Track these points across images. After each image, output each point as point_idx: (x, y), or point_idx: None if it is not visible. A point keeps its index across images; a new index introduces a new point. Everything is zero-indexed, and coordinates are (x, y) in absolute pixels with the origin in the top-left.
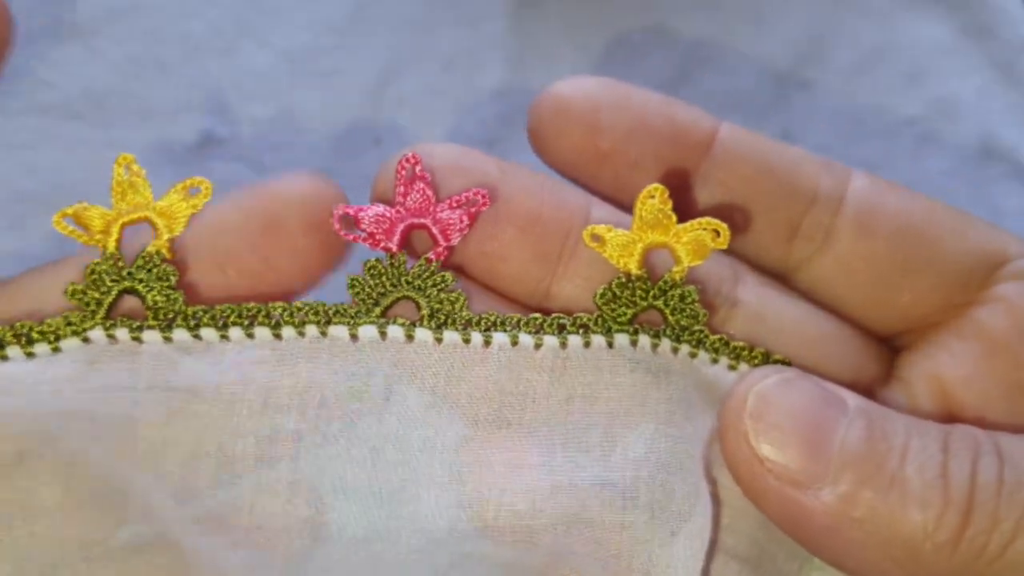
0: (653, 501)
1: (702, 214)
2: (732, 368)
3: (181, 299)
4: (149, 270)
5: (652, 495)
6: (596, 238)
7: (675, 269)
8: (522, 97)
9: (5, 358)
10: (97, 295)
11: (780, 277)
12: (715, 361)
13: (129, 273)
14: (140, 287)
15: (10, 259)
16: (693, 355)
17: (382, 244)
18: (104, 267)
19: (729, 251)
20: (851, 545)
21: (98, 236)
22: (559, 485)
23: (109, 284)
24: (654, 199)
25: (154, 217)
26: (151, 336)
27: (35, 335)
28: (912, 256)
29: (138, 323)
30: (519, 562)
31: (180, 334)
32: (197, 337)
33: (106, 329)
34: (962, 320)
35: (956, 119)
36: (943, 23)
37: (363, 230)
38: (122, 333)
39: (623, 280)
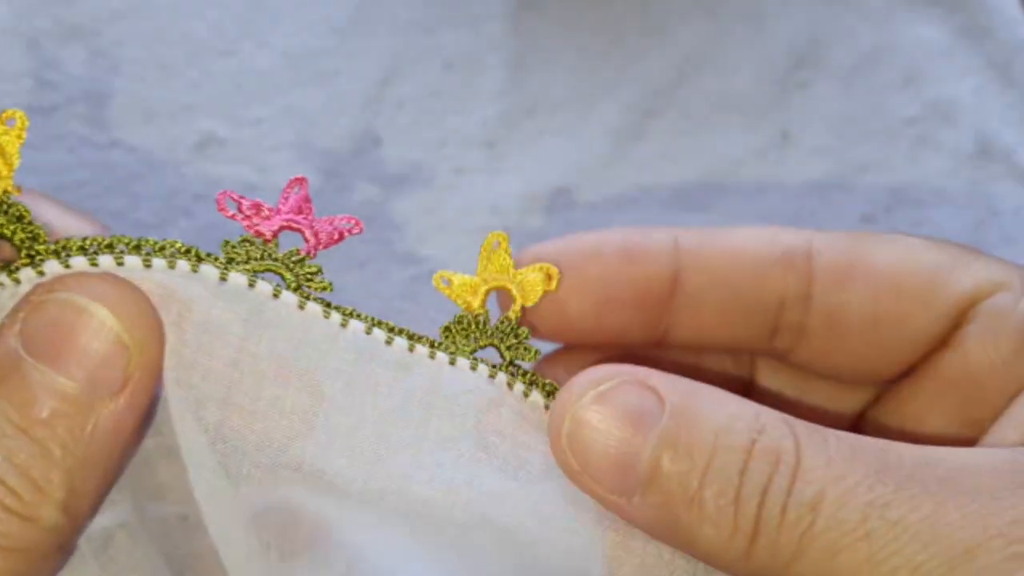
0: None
1: (683, 344)
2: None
3: (43, 233)
4: (4, 212)
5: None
6: (445, 281)
7: (511, 310)
8: (522, 97)
9: None
10: None
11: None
12: (548, 407)
13: None
14: (4, 230)
15: None
16: (526, 394)
17: (257, 228)
18: None
19: (723, 349)
20: (661, 537)
21: None
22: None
23: None
24: (498, 246)
25: None
26: (27, 274)
27: None
28: (882, 331)
29: (14, 264)
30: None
31: (52, 266)
32: (67, 266)
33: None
34: (926, 368)
35: (954, 120)
36: (941, 24)
37: (242, 212)
38: (2, 277)
39: (465, 317)
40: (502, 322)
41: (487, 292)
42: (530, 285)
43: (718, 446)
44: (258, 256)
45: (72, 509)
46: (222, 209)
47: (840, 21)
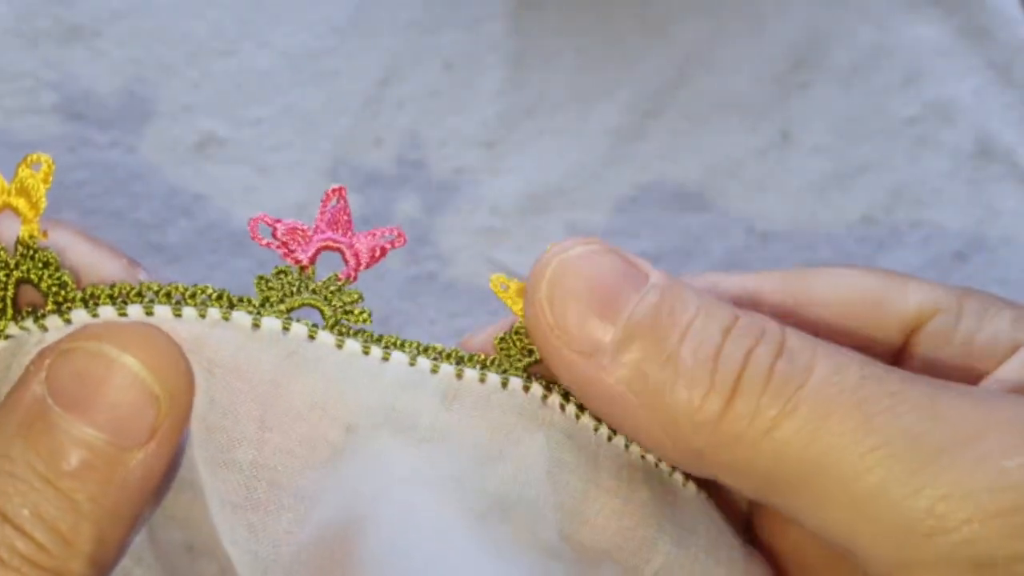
0: None
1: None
2: (610, 438)
3: (71, 280)
4: (31, 257)
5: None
6: (503, 286)
7: None
8: (522, 97)
9: None
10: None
11: None
12: (596, 429)
13: (16, 264)
14: (31, 275)
15: None
16: (577, 416)
17: (294, 255)
18: None
19: None
20: (629, 413)
21: None
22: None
23: (3, 278)
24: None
25: (14, 201)
26: (53, 322)
27: None
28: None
29: (41, 311)
30: None
31: (79, 315)
32: (95, 315)
33: (18, 323)
34: None
35: (953, 120)
36: (941, 24)
37: (277, 239)
38: (29, 323)
39: (522, 328)
40: None
41: None
42: None
43: (700, 313)
44: (294, 290)
45: (100, 560)
46: (256, 237)
47: (840, 21)
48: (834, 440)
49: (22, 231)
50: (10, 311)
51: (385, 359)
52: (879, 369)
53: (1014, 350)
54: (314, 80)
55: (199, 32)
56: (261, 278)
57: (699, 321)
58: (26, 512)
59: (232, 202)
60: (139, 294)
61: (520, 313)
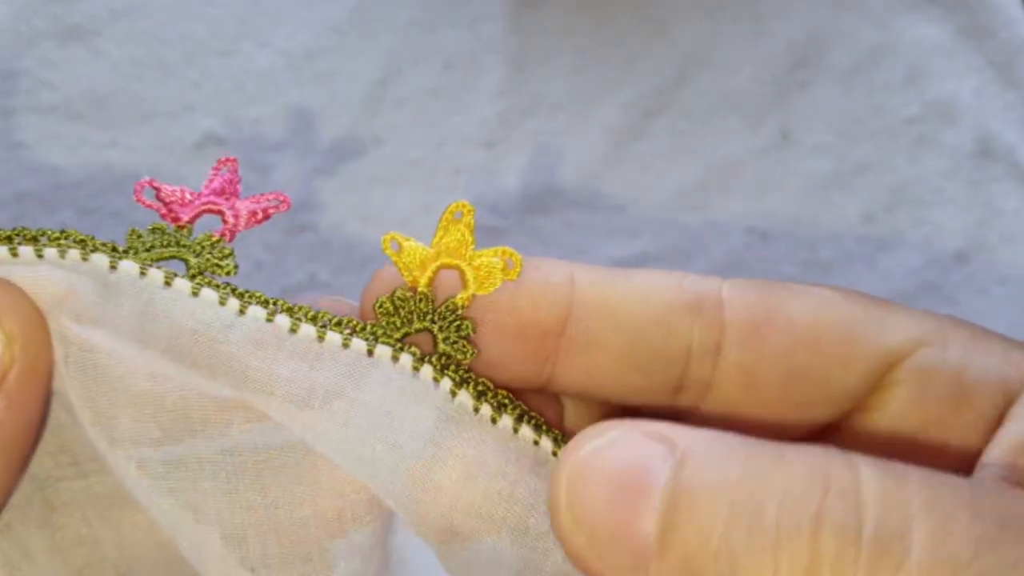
0: None
1: (568, 391)
2: (494, 421)
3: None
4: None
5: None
6: (395, 245)
7: (461, 295)
8: (522, 97)
9: None
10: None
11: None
12: (477, 409)
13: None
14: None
15: None
16: (454, 393)
17: (173, 215)
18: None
19: (613, 401)
20: None
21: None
22: None
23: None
24: (460, 217)
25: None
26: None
27: None
28: (797, 388)
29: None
30: None
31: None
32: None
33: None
34: (848, 428)
35: (954, 120)
36: (941, 24)
37: (161, 200)
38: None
39: (406, 293)
40: (446, 307)
41: (438, 269)
42: (487, 270)
43: (741, 477)
44: (164, 244)
45: None
46: (139, 199)
47: (840, 21)
48: None
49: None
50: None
51: (242, 312)
52: (991, 522)
53: (1005, 389)
54: (314, 80)
55: (198, 32)
56: (133, 231)
57: (744, 491)
58: None
59: None
60: (8, 238)
61: (408, 279)
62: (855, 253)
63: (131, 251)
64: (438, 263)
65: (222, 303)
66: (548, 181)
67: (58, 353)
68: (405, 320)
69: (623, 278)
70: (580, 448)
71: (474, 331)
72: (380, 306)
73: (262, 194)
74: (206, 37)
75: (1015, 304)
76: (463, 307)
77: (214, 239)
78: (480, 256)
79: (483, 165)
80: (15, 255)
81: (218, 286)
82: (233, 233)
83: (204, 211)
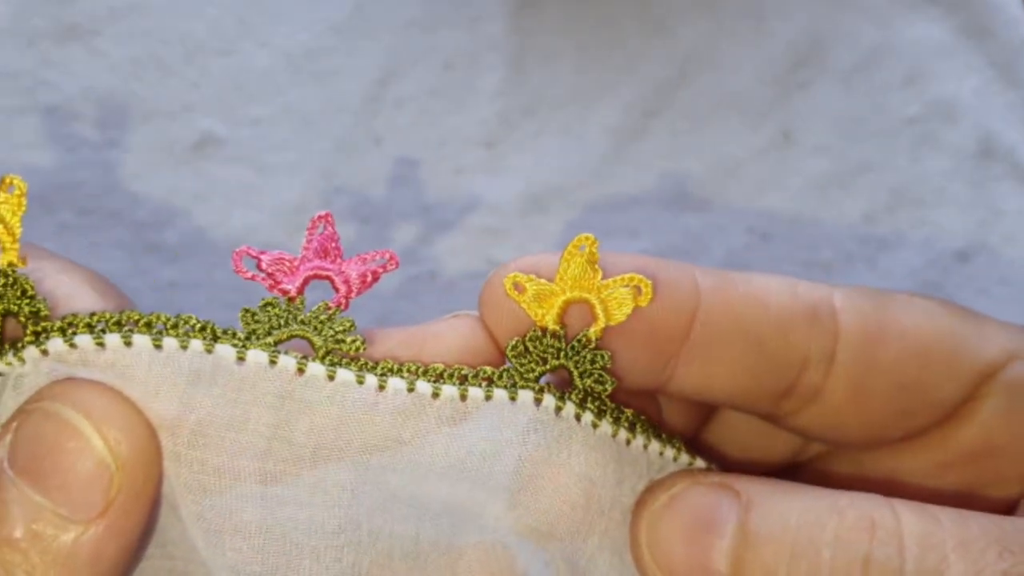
0: None
1: (685, 394)
2: (629, 442)
3: (44, 308)
4: (12, 286)
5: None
6: (518, 287)
7: (592, 328)
8: (522, 97)
9: None
10: None
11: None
12: (615, 435)
13: (1, 295)
14: (11, 306)
15: None
16: (595, 425)
17: (281, 286)
18: None
19: (724, 404)
20: None
21: None
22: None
23: None
24: (583, 251)
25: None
26: (31, 353)
27: None
28: (903, 398)
29: (20, 343)
30: None
31: (55, 344)
32: (72, 346)
33: (2, 358)
34: (936, 435)
35: (955, 119)
36: (942, 24)
37: (263, 271)
38: (10, 357)
39: (537, 334)
40: (578, 341)
41: (565, 305)
42: (617, 301)
43: (800, 524)
44: (282, 322)
45: None
46: (239, 270)
47: (841, 20)
48: None
49: (1, 259)
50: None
51: (381, 388)
52: (1020, 557)
53: None
54: (313, 80)
55: (198, 31)
56: (247, 311)
57: (804, 536)
58: None
59: (231, 202)
60: (118, 323)
61: (536, 319)
62: (855, 253)
63: (252, 336)
64: (565, 298)
65: (359, 382)
66: (548, 181)
67: (168, 470)
68: (539, 360)
69: (743, 282)
70: (656, 498)
71: (611, 362)
72: (513, 348)
73: (367, 253)
74: (206, 37)
75: (1016, 304)
76: (596, 340)
77: (331, 311)
78: (608, 287)
79: (483, 165)
80: (128, 344)
81: (349, 363)
82: (347, 301)
83: (312, 278)
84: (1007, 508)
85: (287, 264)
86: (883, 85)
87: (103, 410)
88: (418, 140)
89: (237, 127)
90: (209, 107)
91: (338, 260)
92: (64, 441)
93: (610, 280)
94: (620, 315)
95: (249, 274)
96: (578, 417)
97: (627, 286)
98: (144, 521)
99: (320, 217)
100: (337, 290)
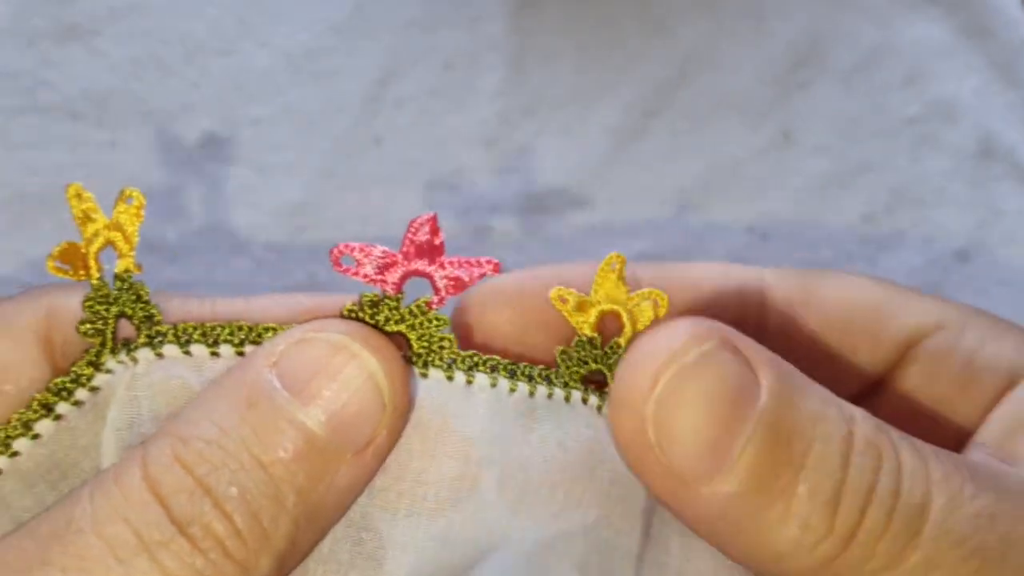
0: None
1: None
2: None
3: (158, 312)
4: (128, 290)
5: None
6: (562, 299)
7: (622, 336)
8: (522, 97)
9: (59, 416)
10: (100, 326)
11: None
12: None
13: (116, 298)
14: (125, 308)
15: (10, 259)
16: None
17: (379, 283)
18: (96, 298)
19: None
20: (722, 535)
21: (81, 272)
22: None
23: (104, 312)
24: (614, 267)
25: (112, 236)
26: (145, 354)
27: (71, 384)
28: (828, 369)
29: (133, 344)
30: None
31: (170, 349)
32: (187, 352)
33: (115, 357)
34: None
35: (955, 120)
36: (942, 24)
37: (363, 267)
38: (123, 356)
39: (581, 341)
40: (612, 347)
41: (600, 315)
42: (641, 312)
43: (816, 434)
44: (388, 319)
45: (286, 562)
46: (339, 267)
47: (841, 20)
48: None
49: (118, 265)
50: (109, 344)
51: (468, 383)
52: (990, 498)
53: (1011, 375)
54: (313, 80)
55: (198, 31)
56: (348, 310)
57: (817, 448)
58: (234, 491)
59: (231, 202)
60: (231, 334)
61: (580, 327)
62: (855, 253)
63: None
64: (599, 309)
65: (449, 379)
66: (548, 181)
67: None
68: (580, 363)
69: (679, 270)
70: (686, 350)
71: None
72: (563, 353)
73: (469, 259)
74: (206, 37)
75: (1016, 304)
76: (626, 346)
77: (427, 310)
78: (634, 299)
79: (483, 165)
80: (240, 353)
81: (441, 365)
82: (443, 300)
83: (411, 275)
84: None
85: (386, 258)
86: (883, 85)
87: (384, 347)
88: (418, 140)
89: (237, 127)
90: (209, 107)
91: (439, 258)
92: (348, 370)
93: (635, 294)
94: (643, 324)
95: (350, 271)
96: (448, 378)
97: (648, 299)
98: (373, 473)
99: (425, 219)
100: (436, 291)
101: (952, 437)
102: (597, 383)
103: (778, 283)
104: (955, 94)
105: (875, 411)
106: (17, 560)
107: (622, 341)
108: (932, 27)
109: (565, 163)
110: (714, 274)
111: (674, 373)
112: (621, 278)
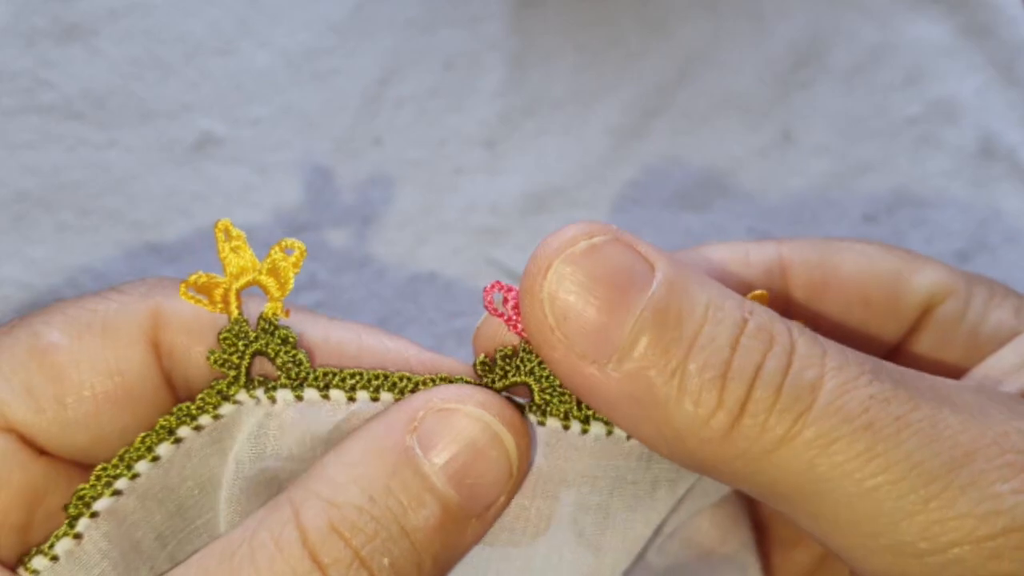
0: None
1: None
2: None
3: (306, 359)
4: (271, 332)
5: None
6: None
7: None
8: (522, 97)
9: (179, 440)
10: (235, 359)
11: None
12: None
13: (256, 337)
14: (268, 349)
15: (11, 259)
16: (584, 431)
17: (521, 328)
18: (234, 333)
19: None
20: (630, 418)
21: (219, 304)
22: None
23: (241, 348)
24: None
25: (263, 280)
26: (284, 395)
27: (196, 411)
28: (852, 343)
29: (272, 383)
30: None
31: (310, 393)
32: (326, 397)
33: (248, 391)
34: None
35: (956, 119)
36: (943, 23)
37: (507, 309)
38: (259, 392)
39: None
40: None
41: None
42: None
43: (708, 318)
44: (513, 371)
45: None
46: (491, 309)
47: (841, 20)
48: (837, 465)
49: (266, 308)
50: (243, 379)
51: (584, 432)
52: (887, 385)
53: (1012, 338)
54: (313, 80)
55: (197, 31)
56: (480, 362)
57: (707, 329)
58: (386, 562)
59: (231, 202)
60: (368, 381)
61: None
62: None
63: (489, 379)
64: None
65: (565, 428)
66: (548, 181)
67: None
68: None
69: (697, 254)
70: (576, 240)
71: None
72: (481, 365)
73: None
74: (205, 37)
75: None
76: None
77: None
78: None
79: (483, 165)
80: (376, 400)
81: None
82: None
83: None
84: None
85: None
86: (884, 85)
87: (515, 422)
88: (418, 140)
89: (237, 127)
90: (209, 107)
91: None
92: (490, 447)
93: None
94: None
95: (499, 313)
96: (565, 427)
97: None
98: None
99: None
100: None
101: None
102: None
103: (798, 259)
104: (955, 94)
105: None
106: None
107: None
108: (932, 27)
109: (565, 163)
110: (735, 254)
111: (562, 259)
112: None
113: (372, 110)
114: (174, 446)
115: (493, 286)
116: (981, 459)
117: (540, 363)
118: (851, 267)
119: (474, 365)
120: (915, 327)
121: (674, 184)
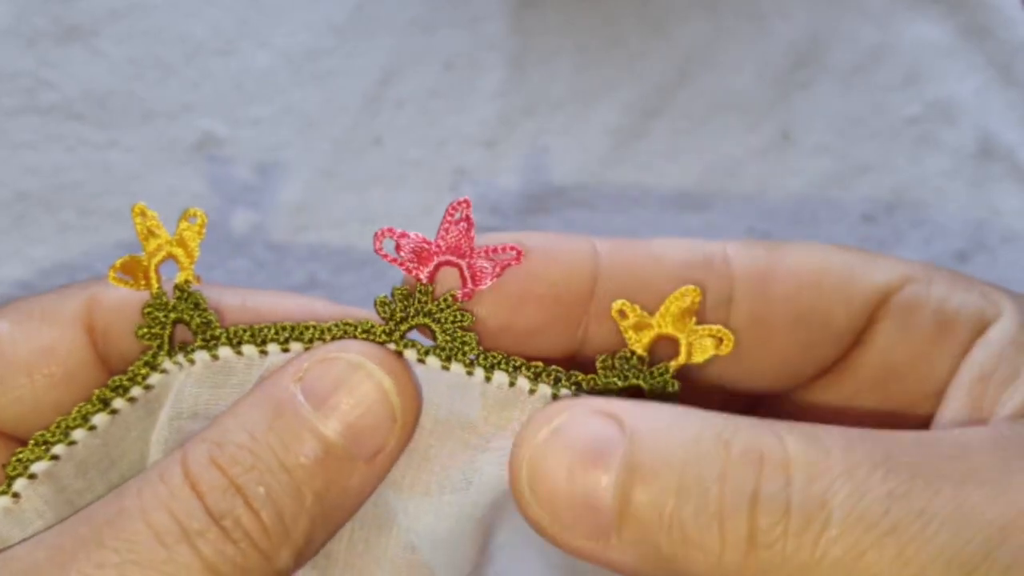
0: None
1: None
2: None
3: (215, 319)
4: (186, 299)
5: None
6: (622, 314)
7: (674, 361)
8: (522, 97)
9: (114, 411)
10: (158, 330)
11: None
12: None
13: (174, 306)
14: (183, 315)
15: (10, 258)
16: None
17: (415, 272)
18: (155, 306)
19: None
20: (651, 573)
21: (143, 282)
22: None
23: (163, 318)
24: (686, 299)
25: (174, 251)
26: (201, 356)
27: (127, 383)
28: (803, 329)
29: (190, 347)
30: None
31: (224, 351)
32: (239, 353)
33: (171, 358)
34: (845, 365)
35: (955, 119)
36: (942, 24)
37: (401, 255)
38: (180, 357)
39: (626, 355)
40: (659, 369)
41: (655, 337)
42: (700, 346)
43: (687, 459)
44: (416, 312)
45: (301, 556)
46: (380, 251)
47: (841, 20)
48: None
49: (179, 277)
50: (166, 347)
51: (487, 381)
52: (903, 476)
53: (981, 322)
54: (314, 80)
55: (198, 32)
56: (380, 300)
57: (690, 470)
58: (261, 491)
59: (231, 202)
60: (276, 332)
61: (631, 342)
62: None
63: (392, 322)
64: (657, 332)
65: (469, 374)
66: (548, 181)
67: None
68: (621, 375)
69: (640, 244)
70: (537, 431)
71: (678, 394)
72: (602, 362)
73: (493, 247)
74: (206, 37)
75: None
76: (674, 371)
77: (453, 303)
78: (697, 332)
79: (483, 165)
80: (286, 351)
81: (462, 360)
82: (471, 294)
83: (442, 266)
84: (924, 424)
85: (423, 250)
86: (883, 85)
87: (396, 367)
88: (418, 140)
89: (237, 127)
90: (209, 107)
91: (470, 249)
92: (365, 388)
93: (700, 327)
94: (700, 357)
95: (389, 257)
96: (469, 374)
97: (713, 336)
98: (389, 470)
99: (458, 204)
100: (464, 282)
101: (932, 391)
102: (629, 393)
103: (742, 253)
104: (955, 94)
105: (855, 372)
106: (74, 543)
107: (672, 365)
108: (932, 27)
109: (565, 163)
110: (677, 248)
111: (531, 455)
112: (690, 311)
113: (372, 110)
114: (109, 416)
115: (383, 232)
116: (1016, 532)
117: (440, 305)
118: (801, 257)
119: (374, 304)
120: (874, 316)
121: (674, 184)
